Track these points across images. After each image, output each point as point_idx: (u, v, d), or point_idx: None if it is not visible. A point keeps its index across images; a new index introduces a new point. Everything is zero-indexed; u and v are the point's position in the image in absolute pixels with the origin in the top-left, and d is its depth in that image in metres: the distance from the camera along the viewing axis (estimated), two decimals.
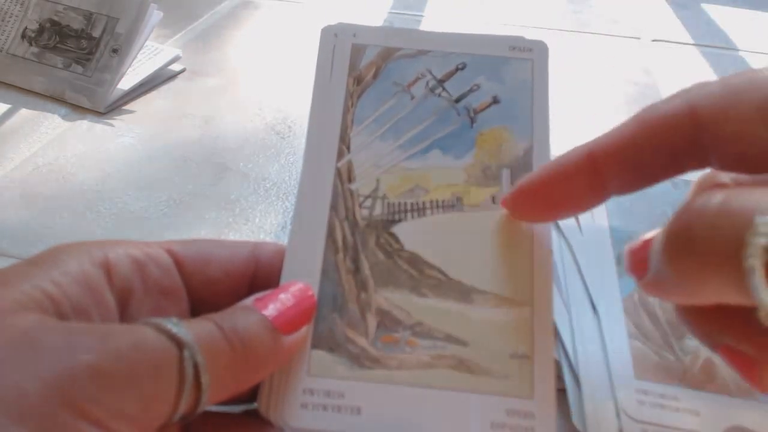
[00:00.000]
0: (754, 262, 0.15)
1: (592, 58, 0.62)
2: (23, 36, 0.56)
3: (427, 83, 0.27)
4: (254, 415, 0.22)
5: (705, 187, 0.20)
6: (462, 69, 0.27)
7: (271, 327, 0.20)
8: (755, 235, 0.15)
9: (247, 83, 0.57)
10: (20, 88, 0.54)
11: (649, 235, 0.21)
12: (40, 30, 0.56)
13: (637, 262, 0.21)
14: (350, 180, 0.25)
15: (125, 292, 0.21)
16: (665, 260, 0.18)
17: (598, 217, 0.36)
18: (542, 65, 0.27)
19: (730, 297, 0.16)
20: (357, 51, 0.27)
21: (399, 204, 0.25)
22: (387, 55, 0.27)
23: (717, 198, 0.17)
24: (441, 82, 0.27)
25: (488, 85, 0.26)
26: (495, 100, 0.26)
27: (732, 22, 0.71)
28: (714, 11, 0.74)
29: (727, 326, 0.19)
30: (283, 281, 0.23)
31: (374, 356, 0.22)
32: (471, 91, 0.26)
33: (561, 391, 0.28)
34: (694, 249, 0.17)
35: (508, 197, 0.24)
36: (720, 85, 0.20)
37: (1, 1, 0.57)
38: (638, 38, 0.67)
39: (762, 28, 0.71)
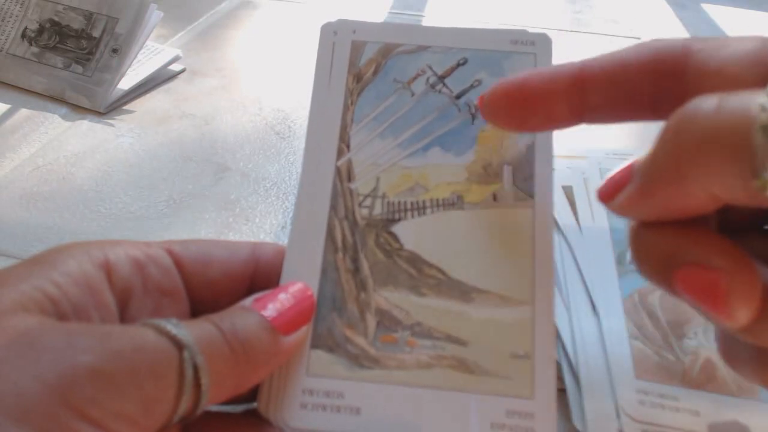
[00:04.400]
0: (759, 136, 0.15)
1: None
2: (23, 36, 0.56)
3: (428, 79, 0.26)
4: (254, 415, 0.22)
5: None
6: (463, 64, 0.27)
7: (270, 327, 0.20)
8: (763, 110, 0.15)
9: (247, 83, 0.57)
10: (20, 88, 0.54)
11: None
12: (40, 30, 0.56)
13: (614, 185, 0.20)
14: (350, 179, 0.25)
15: (125, 293, 0.21)
16: (663, 145, 0.18)
17: (598, 218, 0.36)
18: (545, 59, 0.26)
19: (726, 182, 0.16)
20: (357, 48, 0.27)
21: (399, 203, 0.25)
22: (387, 51, 0.27)
23: (715, 94, 0.17)
24: (442, 78, 0.26)
25: (490, 81, 0.26)
26: None
27: (732, 22, 0.71)
28: (714, 11, 0.74)
29: (694, 241, 0.18)
30: (282, 281, 0.23)
31: (373, 356, 0.22)
32: (472, 86, 0.26)
33: (561, 391, 0.28)
34: (699, 123, 0.16)
35: (486, 92, 0.23)
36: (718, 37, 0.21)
37: (1, 1, 0.57)
38: (638, 38, 0.67)
39: (762, 28, 0.71)
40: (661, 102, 0.21)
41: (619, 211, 0.20)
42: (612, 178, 0.20)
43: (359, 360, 0.22)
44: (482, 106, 0.23)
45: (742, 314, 0.17)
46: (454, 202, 0.25)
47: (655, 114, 0.21)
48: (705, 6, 0.75)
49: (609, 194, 0.20)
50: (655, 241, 0.19)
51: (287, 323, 0.21)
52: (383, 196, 0.25)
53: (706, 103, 0.16)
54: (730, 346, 0.20)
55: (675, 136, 0.17)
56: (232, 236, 0.39)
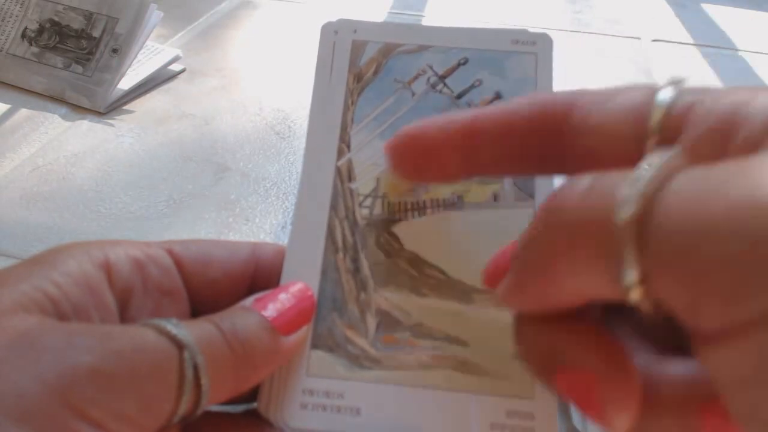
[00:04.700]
0: (622, 232, 0.14)
1: (592, 58, 0.62)
2: (23, 36, 0.56)
3: (428, 79, 0.26)
4: (254, 415, 0.22)
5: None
6: (464, 64, 0.26)
7: (271, 328, 0.20)
8: (624, 203, 0.14)
9: (247, 83, 0.57)
10: (20, 88, 0.54)
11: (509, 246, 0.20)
12: (40, 30, 0.56)
13: (497, 271, 0.19)
14: (350, 179, 0.25)
15: (125, 293, 0.21)
16: (532, 236, 0.17)
17: None
18: (546, 59, 0.26)
19: (592, 280, 0.15)
20: (357, 47, 0.27)
21: (399, 203, 0.25)
22: (387, 51, 0.27)
23: (587, 177, 0.16)
24: (442, 78, 0.26)
25: (491, 81, 0.26)
26: (497, 96, 0.26)
27: (732, 22, 0.71)
28: (714, 11, 0.74)
29: (571, 339, 0.17)
30: (283, 281, 0.23)
31: (374, 356, 0.22)
32: (473, 86, 0.26)
33: None
34: (564, 217, 0.15)
35: (390, 140, 0.22)
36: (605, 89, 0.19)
37: (1, 1, 0.57)
38: (638, 38, 0.67)
39: (762, 28, 0.71)
40: (546, 159, 0.20)
41: (501, 301, 0.18)
42: (492, 263, 0.19)
43: (359, 360, 0.22)
44: (387, 152, 0.22)
45: (620, 421, 0.16)
46: (455, 203, 0.25)
47: (543, 169, 0.21)
48: (705, 6, 0.75)
49: (491, 282, 0.19)
50: (535, 336, 0.18)
51: (287, 323, 0.21)
52: (383, 197, 0.25)
53: (574, 191, 0.15)
54: None
55: (543, 227, 0.16)
56: (232, 236, 0.39)
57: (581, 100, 0.19)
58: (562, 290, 0.16)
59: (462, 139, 0.20)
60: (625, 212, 0.14)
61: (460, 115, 0.21)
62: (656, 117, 0.17)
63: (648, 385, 0.16)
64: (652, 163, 0.14)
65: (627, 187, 0.14)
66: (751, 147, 0.15)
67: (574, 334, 0.17)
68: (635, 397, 0.16)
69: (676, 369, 0.17)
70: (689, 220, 0.13)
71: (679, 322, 0.14)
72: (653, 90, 0.18)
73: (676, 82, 0.18)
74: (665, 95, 0.18)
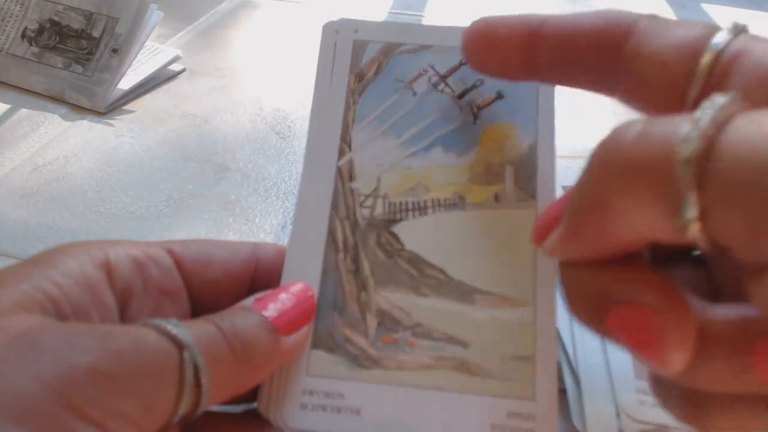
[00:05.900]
0: (681, 171, 0.14)
1: None
2: (23, 36, 0.56)
3: (430, 79, 0.26)
4: (254, 415, 0.22)
5: None
6: (465, 64, 0.26)
7: (271, 328, 0.20)
8: (685, 142, 0.14)
9: (247, 83, 0.57)
10: (20, 88, 0.54)
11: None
12: (40, 30, 0.56)
13: (546, 224, 0.19)
14: (351, 179, 0.25)
15: (125, 293, 0.21)
16: (588, 178, 0.17)
17: None
18: None
19: (649, 219, 0.15)
20: (358, 47, 0.27)
21: (400, 203, 0.25)
22: (389, 50, 0.27)
23: (641, 119, 0.16)
24: (444, 77, 0.26)
25: (492, 80, 0.26)
26: (499, 95, 0.26)
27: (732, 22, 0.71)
28: (714, 11, 0.74)
29: (624, 277, 0.17)
30: (283, 281, 0.23)
31: (374, 357, 0.22)
32: (474, 86, 0.26)
33: (561, 392, 0.28)
34: (621, 155, 0.16)
35: (466, 27, 0.22)
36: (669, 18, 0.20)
37: (1, 1, 0.57)
38: None
39: (762, 28, 0.71)
40: (601, 75, 0.20)
41: (552, 254, 0.18)
42: (543, 218, 0.19)
43: (359, 360, 0.22)
44: (462, 38, 0.23)
45: (677, 358, 0.16)
46: (456, 203, 0.25)
47: (595, 87, 0.21)
48: (705, 6, 0.75)
49: (540, 236, 0.19)
50: (585, 279, 0.18)
51: (288, 323, 0.21)
52: (384, 196, 0.25)
53: (630, 131, 0.16)
54: (662, 384, 0.19)
55: (599, 168, 0.16)
56: (232, 236, 0.39)
57: (642, 24, 0.20)
58: (618, 232, 0.16)
59: (525, 40, 0.21)
60: (687, 149, 0.14)
61: (531, 16, 0.21)
62: (706, 59, 0.18)
63: (698, 327, 0.16)
64: (713, 104, 0.14)
65: (688, 126, 0.14)
66: None
67: (628, 272, 0.17)
68: (692, 331, 0.16)
69: (722, 312, 0.17)
70: (751, 155, 0.13)
71: (732, 256, 0.14)
72: (712, 31, 0.18)
73: (735, 29, 0.19)
74: (719, 39, 0.18)
